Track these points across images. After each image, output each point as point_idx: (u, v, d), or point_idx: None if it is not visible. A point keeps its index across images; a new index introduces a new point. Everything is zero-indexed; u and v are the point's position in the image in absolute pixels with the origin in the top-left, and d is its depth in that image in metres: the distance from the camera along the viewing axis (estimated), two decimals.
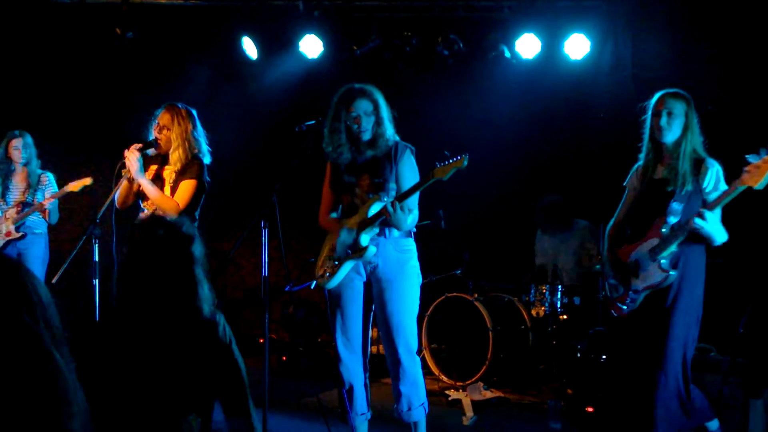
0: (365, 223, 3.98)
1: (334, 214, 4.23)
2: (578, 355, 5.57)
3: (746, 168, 3.52)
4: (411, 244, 4.15)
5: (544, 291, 6.15)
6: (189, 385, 2.49)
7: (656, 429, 3.73)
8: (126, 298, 2.55)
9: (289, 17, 6.94)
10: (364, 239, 3.98)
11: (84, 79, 7.63)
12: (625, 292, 3.97)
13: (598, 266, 5.90)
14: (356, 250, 3.99)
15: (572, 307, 6.15)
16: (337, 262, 4.07)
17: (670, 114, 3.85)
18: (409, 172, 4.06)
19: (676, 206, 3.79)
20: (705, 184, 3.80)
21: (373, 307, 4.17)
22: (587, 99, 6.96)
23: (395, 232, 4.05)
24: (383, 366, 4.26)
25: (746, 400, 4.33)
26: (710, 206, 3.66)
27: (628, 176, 4.16)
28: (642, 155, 4.05)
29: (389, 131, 4.14)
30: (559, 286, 6.14)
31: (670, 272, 3.77)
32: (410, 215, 4.01)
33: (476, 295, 6.15)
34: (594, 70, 6.78)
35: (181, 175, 4.62)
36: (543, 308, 6.13)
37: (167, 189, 4.61)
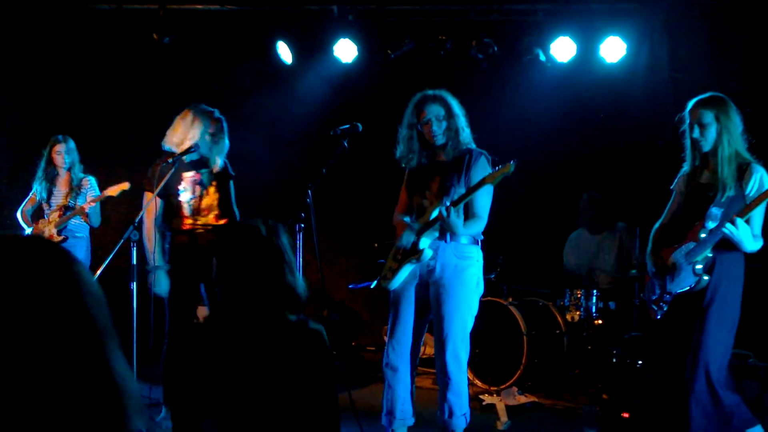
0: (426, 226, 3.99)
1: (406, 218, 4.21)
2: (614, 360, 5.51)
3: None
4: (474, 252, 4.10)
5: (579, 296, 6.10)
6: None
7: None
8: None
9: (323, 22, 6.97)
10: (423, 242, 4.00)
11: (122, 85, 7.73)
12: (660, 294, 3.95)
13: (633, 271, 5.84)
14: (414, 253, 4.00)
15: (607, 311, 6.10)
16: (398, 264, 4.09)
17: (700, 125, 3.82)
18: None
19: (715, 211, 3.76)
20: (748, 190, 3.76)
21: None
22: (623, 102, 6.90)
23: (461, 238, 4.03)
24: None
25: None
26: (741, 213, 3.63)
27: (675, 179, 4.13)
28: (687, 163, 4.01)
29: (464, 137, 4.14)
30: (594, 291, 6.09)
31: (703, 277, 3.74)
32: (476, 221, 4.01)
33: (510, 300, 6.11)
34: (630, 72, 6.70)
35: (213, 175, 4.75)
36: (578, 313, 6.08)
37: (212, 188, 4.75)
